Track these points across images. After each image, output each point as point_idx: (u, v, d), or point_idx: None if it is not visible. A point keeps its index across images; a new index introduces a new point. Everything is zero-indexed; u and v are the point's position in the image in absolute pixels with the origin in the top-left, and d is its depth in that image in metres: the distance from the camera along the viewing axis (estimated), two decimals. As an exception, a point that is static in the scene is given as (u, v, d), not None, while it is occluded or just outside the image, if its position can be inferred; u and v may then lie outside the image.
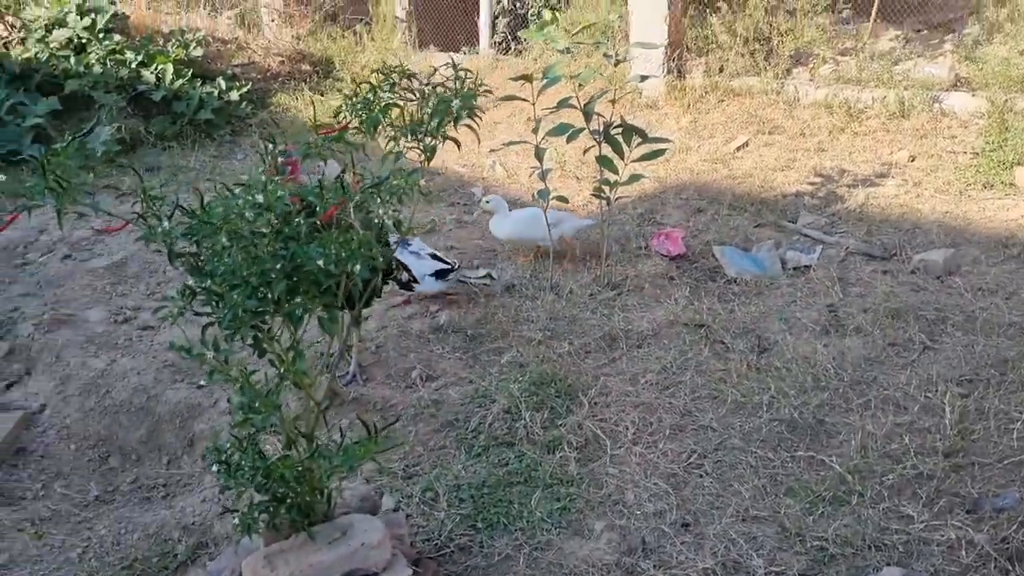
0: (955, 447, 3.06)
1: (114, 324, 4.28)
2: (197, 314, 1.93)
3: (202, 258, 1.93)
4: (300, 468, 2.10)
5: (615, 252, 4.90)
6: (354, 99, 2.27)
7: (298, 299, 1.86)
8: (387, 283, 3.92)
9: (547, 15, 4.22)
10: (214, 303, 1.89)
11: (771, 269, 4.68)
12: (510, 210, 4.87)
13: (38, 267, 4.90)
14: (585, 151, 4.76)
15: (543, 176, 4.37)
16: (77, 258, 5.01)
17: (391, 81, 2.34)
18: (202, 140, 7.27)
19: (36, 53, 7.40)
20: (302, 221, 1.95)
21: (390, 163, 2.10)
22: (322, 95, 8.25)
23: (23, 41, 7.64)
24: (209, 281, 1.88)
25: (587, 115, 4.40)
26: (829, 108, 6.86)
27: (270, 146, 2.10)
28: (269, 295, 1.83)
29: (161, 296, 4.62)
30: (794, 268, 4.72)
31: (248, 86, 7.80)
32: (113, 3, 7.95)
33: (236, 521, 2.11)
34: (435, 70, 2.47)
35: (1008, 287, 4.28)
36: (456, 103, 2.30)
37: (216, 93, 7.44)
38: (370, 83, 2.37)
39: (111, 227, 4.49)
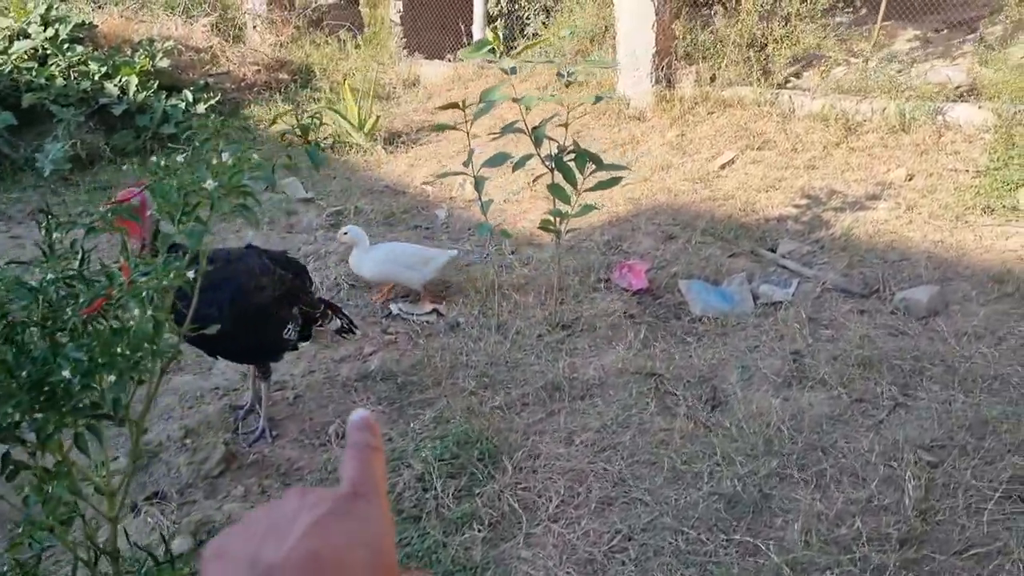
0: (913, 532, 2.68)
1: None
2: None
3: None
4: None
5: (573, 286, 4.53)
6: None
7: (50, 413, 1.53)
8: (308, 337, 3.58)
9: (489, 34, 3.85)
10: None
11: (740, 305, 4.30)
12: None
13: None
14: (535, 179, 4.40)
15: (483, 209, 4.02)
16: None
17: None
18: (164, 155, 6.97)
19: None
20: (71, 313, 1.62)
21: (164, 242, 1.75)
22: (297, 106, 7.95)
23: (-14, 53, 7.41)
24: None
25: (537, 140, 4.03)
26: (825, 120, 6.45)
27: (44, 226, 1.75)
28: (12, 406, 1.50)
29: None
30: (767, 304, 4.34)
31: (217, 97, 7.51)
32: (81, 12, 7.70)
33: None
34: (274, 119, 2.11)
35: (997, 331, 3.87)
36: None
37: (182, 106, 7.16)
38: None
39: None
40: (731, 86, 7.03)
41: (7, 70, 7.06)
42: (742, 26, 7.09)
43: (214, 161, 1.68)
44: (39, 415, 1.55)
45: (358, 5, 11.11)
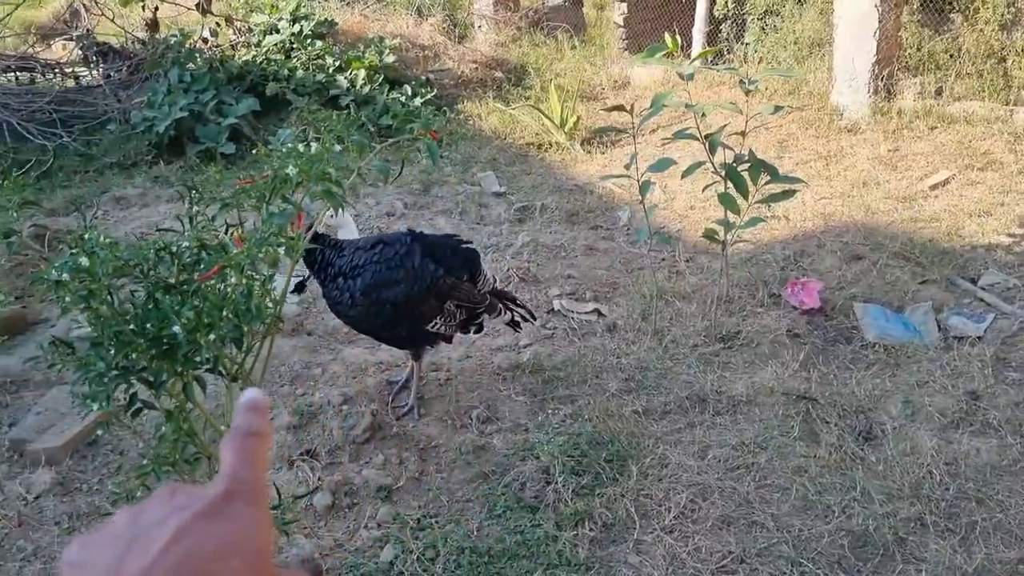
0: (1064, 607, 2.41)
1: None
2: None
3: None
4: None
5: (740, 298, 4.41)
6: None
7: (163, 363, 1.77)
8: (478, 328, 3.68)
9: (668, 39, 3.84)
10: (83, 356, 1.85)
11: (923, 336, 4.00)
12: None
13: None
14: (704, 188, 4.32)
15: (647, 214, 4.01)
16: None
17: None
18: (380, 144, 7.50)
19: (253, 56, 8.03)
20: (196, 276, 1.86)
21: (272, 221, 1.95)
22: (507, 103, 8.24)
23: (247, 45, 8.32)
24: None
25: (711, 147, 3.97)
26: (1067, 142, 5.79)
27: (188, 200, 2.01)
28: (136, 356, 1.76)
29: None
30: (955, 338, 4.00)
31: (434, 92, 7.96)
32: (327, 9, 8.45)
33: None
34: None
35: None
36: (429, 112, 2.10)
37: (402, 99, 7.66)
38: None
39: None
40: (959, 100, 6.48)
41: (259, 60, 7.90)
42: (979, 36, 6.51)
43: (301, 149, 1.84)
44: (156, 363, 1.80)
45: (582, 7, 11.29)
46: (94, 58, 8.61)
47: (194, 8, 8.15)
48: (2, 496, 3.24)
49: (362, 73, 7.72)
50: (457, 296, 3.45)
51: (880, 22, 6.61)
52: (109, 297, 1.77)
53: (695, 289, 4.58)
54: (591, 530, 2.88)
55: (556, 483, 3.08)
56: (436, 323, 3.41)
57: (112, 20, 8.41)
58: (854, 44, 6.74)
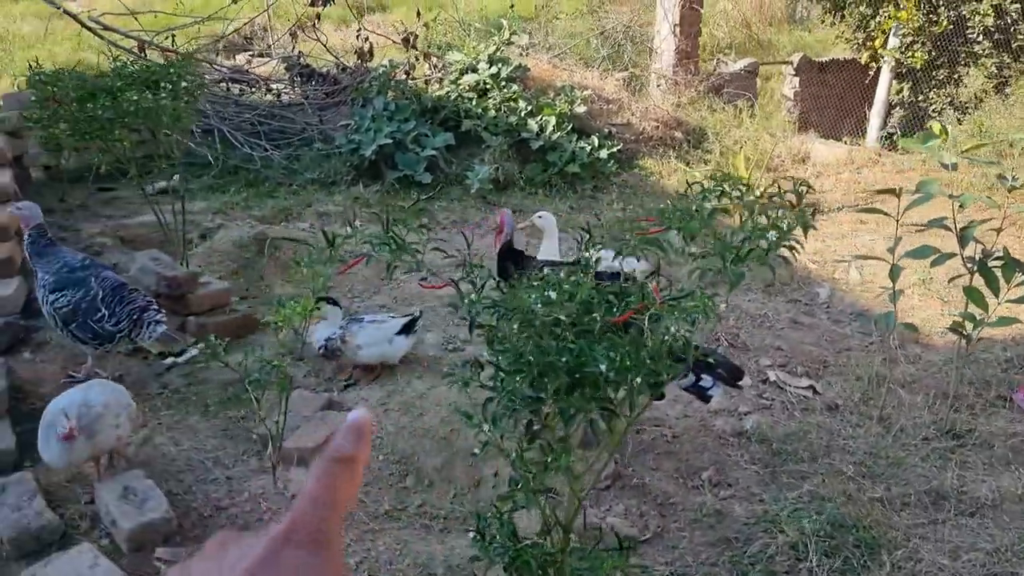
0: None
1: (444, 351, 4.65)
2: (482, 386, 2.02)
3: (498, 335, 2.02)
4: (548, 558, 2.10)
5: (968, 396, 4.31)
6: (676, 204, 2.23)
7: (575, 396, 1.87)
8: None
9: (935, 126, 3.83)
10: (498, 381, 1.96)
11: None
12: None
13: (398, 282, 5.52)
14: (951, 280, 4.25)
15: (894, 298, 3.97)
16: (432, 281, 5.54)
17: (720, 189, 2.27)
18: (565, 191, 7.68)
19: (448, 92, 8.36)
20: (598, 317, 1.96)
21: (695, 280, 2.03)
22: (688, 165, 8.32)
23: (440, 81, 8.67)
24: (498, 358, 1.96)
25: (963, 240, 3.92)
26: None
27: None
28: (547, 386, 1.86)
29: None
30: None
31: (619, 146, 8.10)
32: (520, 56, 8.74)
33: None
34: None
35: None
36: (787, 223, 2.16)
37: (588, 149, 7.83)
38: (700, 184, 2.32)
39: (433, 284, 4.87)
40: None
41: (453, 96, 8.22)
42: None
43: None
44: (565, 397, 1.89)
45: (756, 76, 11.33)
46: (297, 78, 9.13)
47: (399, 42, 8.57)
48: (273, 490, 3.41)
49: (552, 120, 7.92)
50: None
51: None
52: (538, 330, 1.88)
53: (914, 379, 4.50)
54: (852, 615, 2.84)
55: (810, 562, 3.05)
56: None
57: (325, 45, 8.90)
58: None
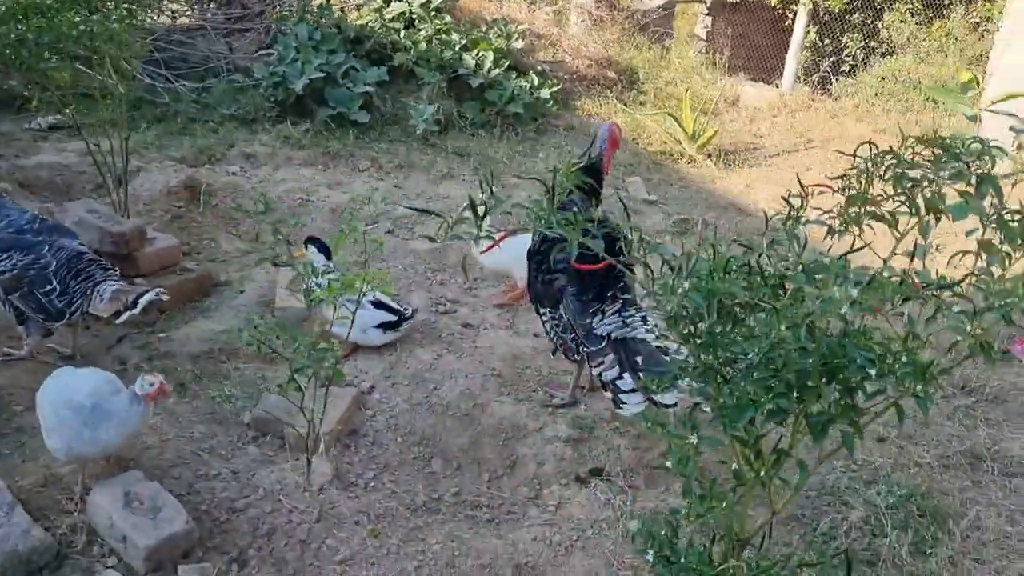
0: None
1: (435, 314, 4.23)
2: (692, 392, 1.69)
3: (704, 329, 1.68)
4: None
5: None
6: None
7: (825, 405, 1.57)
8: None
9: (965, 75, 3.70)
10: (720, 386, 1.64)
11: None
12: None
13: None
14: (968, 233, 4.18)
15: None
16: (399, 235, 5.07)
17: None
18: (506, 132, 7.26)
19: (369, 22, 7.69)
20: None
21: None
22: (625, 106, 8.05)
23: (358, 8, 7.97)
24: (714, 360, 1.63)
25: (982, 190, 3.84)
26: None
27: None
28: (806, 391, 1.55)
29: (473, 291, 4.55)
30: None
31: (559, 86, 7.73)
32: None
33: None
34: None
35: None
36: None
37: (528, 88, 7.41)
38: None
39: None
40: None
41: (378, 27, 7.57)
42: None
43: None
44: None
45: (673, 17, 11.14)
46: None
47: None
48: (277, 485, 2.96)
49: (490, 55, 7.44)
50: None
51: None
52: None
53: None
54: (946, 595, 2.73)
55: (888, 538, 2.91)
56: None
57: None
58: None
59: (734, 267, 1.70)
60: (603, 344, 3.09)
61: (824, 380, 1.56)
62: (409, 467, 3.22)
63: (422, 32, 7.51)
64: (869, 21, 9.91)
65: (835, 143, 7.64)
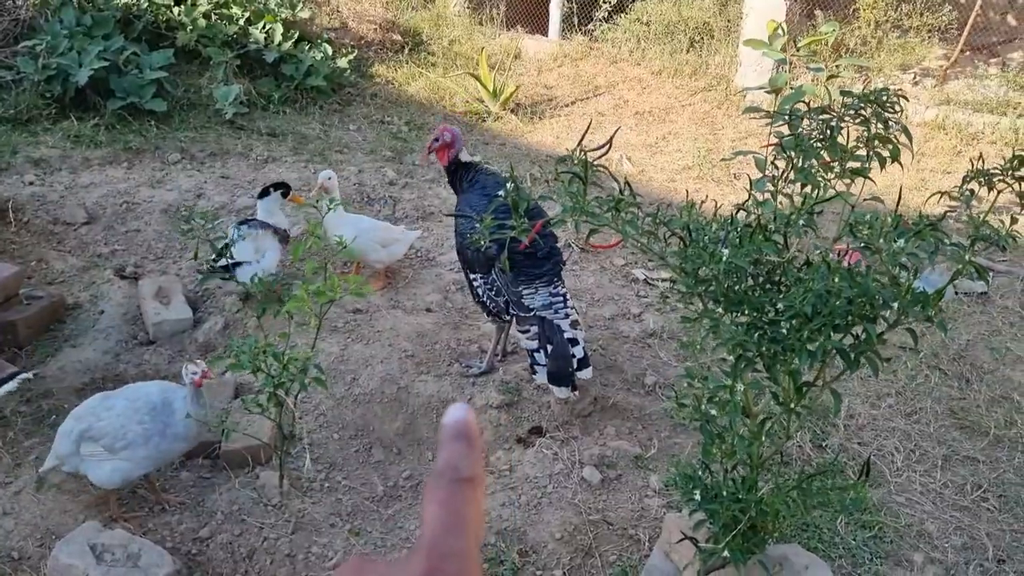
0: None
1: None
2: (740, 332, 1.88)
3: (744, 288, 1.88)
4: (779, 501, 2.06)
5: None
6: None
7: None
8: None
9: (771, 25, 4.15)
10: (761, 336, 1.84)
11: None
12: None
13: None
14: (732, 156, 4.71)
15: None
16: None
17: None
18: (309, 107, 7.04)
19: (134, 0, 7.08)
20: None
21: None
22: (421, 69, 8.07)
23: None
24: (753, 316, 1.84)
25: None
26: None
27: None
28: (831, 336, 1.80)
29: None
30: (964, 294, 4.77)
31: (354, 53, 7.59)
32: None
33: (702, 548, 2.08)
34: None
35: None
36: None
37: (323, 59, 7.21)
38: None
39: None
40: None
41: (144, 5, 6.98)
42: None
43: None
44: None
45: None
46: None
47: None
48: (233, 506, 2.85)
49: (279, 27, 7.14)
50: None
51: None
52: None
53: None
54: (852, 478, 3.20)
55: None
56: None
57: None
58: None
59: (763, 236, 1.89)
60: (531, 314, 3.25)
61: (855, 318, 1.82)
62: (354, 461, 3.21)
63: (199, 8, 7.04)
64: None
65: (620, 87, 8.18)
